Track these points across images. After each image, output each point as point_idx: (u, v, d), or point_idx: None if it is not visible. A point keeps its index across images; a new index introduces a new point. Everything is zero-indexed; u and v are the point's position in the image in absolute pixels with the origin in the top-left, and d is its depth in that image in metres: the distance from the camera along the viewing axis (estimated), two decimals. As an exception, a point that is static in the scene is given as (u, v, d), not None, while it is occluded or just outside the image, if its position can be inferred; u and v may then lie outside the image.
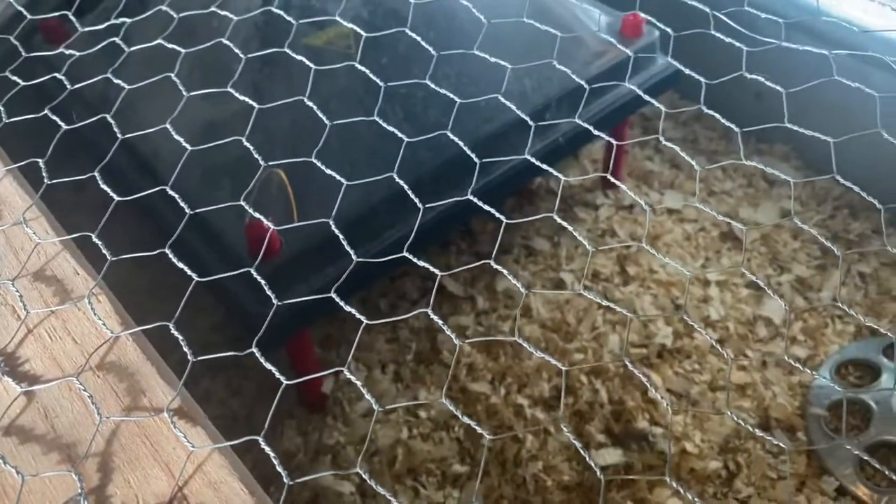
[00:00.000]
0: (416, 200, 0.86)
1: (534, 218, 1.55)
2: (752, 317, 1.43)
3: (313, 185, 1.06)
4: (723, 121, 0.92)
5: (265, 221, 0.99)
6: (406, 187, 0.88)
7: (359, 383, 0.67)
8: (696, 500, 0.59)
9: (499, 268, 0.81)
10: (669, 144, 0.94)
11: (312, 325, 1.31)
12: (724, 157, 1.71)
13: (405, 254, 0.81)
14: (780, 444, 1.29)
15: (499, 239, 0.90)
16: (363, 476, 1.20)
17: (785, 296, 1.46)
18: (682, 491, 1.23)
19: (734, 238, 1.55)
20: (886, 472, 0.67)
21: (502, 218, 0.86)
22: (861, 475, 1.19)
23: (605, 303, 0.92)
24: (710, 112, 0.94)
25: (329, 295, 0.77)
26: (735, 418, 0.71)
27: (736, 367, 1.36)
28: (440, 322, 0.74)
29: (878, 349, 1.32)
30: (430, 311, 0.74)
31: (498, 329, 1.41)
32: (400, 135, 0.92)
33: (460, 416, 0.64)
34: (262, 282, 0.75)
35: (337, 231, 0.83)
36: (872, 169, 1.28)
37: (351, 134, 1.15)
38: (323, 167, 0.88)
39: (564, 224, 0.84)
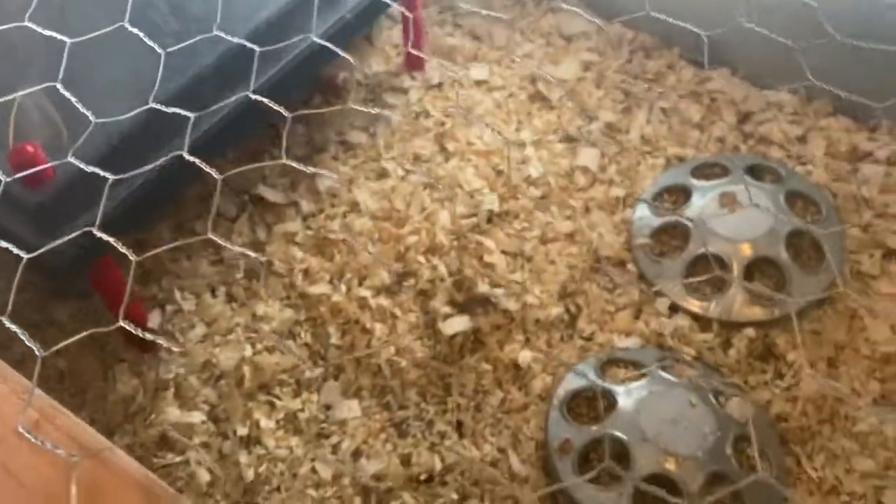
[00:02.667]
0: (186, 112, 0.78)
1: (327, 110, 1.50)
2: (569, 168, 1.46)
3: (83, 106, 0.95)
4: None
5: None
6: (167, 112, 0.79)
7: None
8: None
9: (308, 169, 0.75)
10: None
11: (113, 258, 1.20)
12: (521, 20, 1.71)
13: (185, 155, 0.74)
14: (614, 279, 1.34)
15: (284, 137, 0.84)
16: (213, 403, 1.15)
17: (597, 143, 1.50)
18: (531, 340, 1.26)
19: (542, 98, 1.57)
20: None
21: (284, 112, 0.81)
22: (688, 289, 1.26)
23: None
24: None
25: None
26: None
27: (562, 218, 1.39)
28: (227, 244, 0.68)
29: (686, 173, 1.40)
30: (211, 235, 0.68)
31: (328, 229, 1.36)
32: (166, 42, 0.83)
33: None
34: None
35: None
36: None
37: (119, 48, 1.04)
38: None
39: (364, 109, 0.79)
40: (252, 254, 0.91)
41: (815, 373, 1.19)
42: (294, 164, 0.85)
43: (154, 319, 1.24)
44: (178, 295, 1.28)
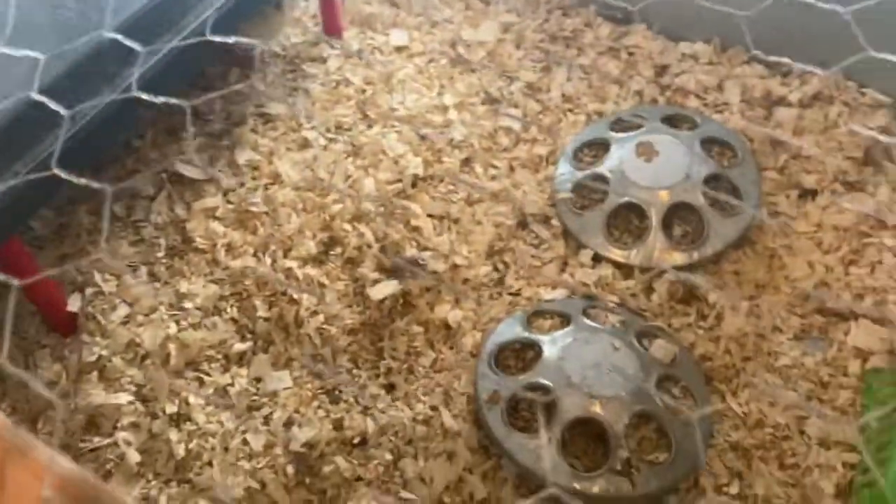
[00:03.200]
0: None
1: (233, 88, 1.48)
2: (492, 130, 1.46)
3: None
4: None
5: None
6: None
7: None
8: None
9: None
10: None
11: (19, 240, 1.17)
12: (438, -14, 1.70)
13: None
14: (539, 235, 1.35)
15: (189, 122, 0.82)
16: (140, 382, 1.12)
17: (519, 103, 1.50)
18: (460, 300, 1.26)
19: (464, 62, 1.57)
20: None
21: (179, 102, 0.79)
22: (610, 239, 1.28)
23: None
24: None
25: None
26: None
27: (487, 178, 1.40)
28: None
29: (605, 128, 1.41)
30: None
31: (249, 202, 1.34)
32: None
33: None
34: None
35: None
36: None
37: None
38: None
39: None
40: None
41: (737, 312, 1.22)
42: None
43: (74, 303, 1.21)
44: (97, 277, 1.24)
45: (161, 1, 1.11)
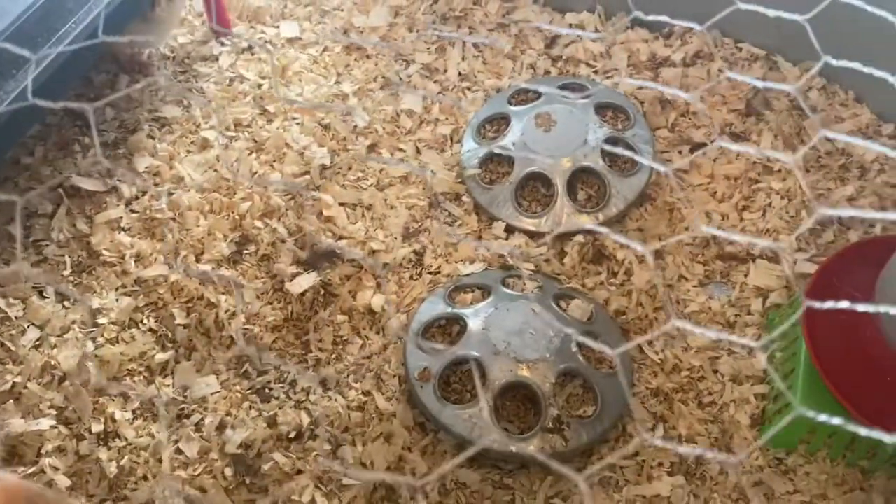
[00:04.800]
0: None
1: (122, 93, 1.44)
2: (395, 113, 1.47)
3: None
4: None
5: None
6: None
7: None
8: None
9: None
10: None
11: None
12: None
13: None
14: (452, 213, 1.38)
15: (93, 124, 0.80)
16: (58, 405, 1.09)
17: (417, 86, 1.52)
18: (382, 284, 1.27)
19: (358, 48, 1.57)
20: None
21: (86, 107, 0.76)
22: (519, 209, 1.31)
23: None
24: None
25: None
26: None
27: (395, 162, 1.41)
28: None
29: (503, 102, 1.44)
30: None
31: (154, 209, 1.31)
32: None
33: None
34: None
35: None
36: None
37: None
38: None
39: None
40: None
41: (646, 265, 1.28)
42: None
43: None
44: (1, 303, 1.19)
45: (41, 6, 1.07)
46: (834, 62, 0.62)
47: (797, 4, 0.70)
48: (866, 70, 0.62)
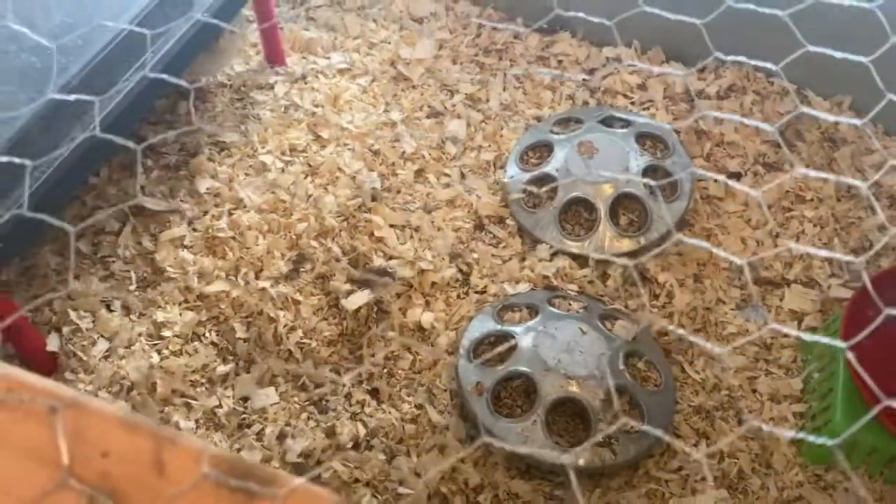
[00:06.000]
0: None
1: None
2: (440, 140, 1.54)
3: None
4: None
5: None
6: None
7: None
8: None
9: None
10: None
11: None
12: (370, 8, 1.78)
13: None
14: (496, 235, 1.43)
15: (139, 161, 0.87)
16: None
17: (461, 114, 1.59)
18: (430, 303, 1.33)
19: (405, 79, 1.64)
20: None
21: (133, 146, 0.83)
22: (563, 233, 1.37)
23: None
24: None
25: None
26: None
27: (442, 187, 1.47)
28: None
29: (546, 130, 1.51)
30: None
31: (216, 228, 1.37)
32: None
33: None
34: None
35: None
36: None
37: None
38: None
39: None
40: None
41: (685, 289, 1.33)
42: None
43: (53, 342, 1.21)
44: (73, 315, 1.25)
45: (117, 45, 1.15)
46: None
47: (863, 47, 0.76)
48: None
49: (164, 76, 1.14)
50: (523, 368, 1.15)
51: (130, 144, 0.73)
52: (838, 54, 0.63)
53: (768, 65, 0.76)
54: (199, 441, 0.41)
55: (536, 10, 1.72)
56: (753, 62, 0.77)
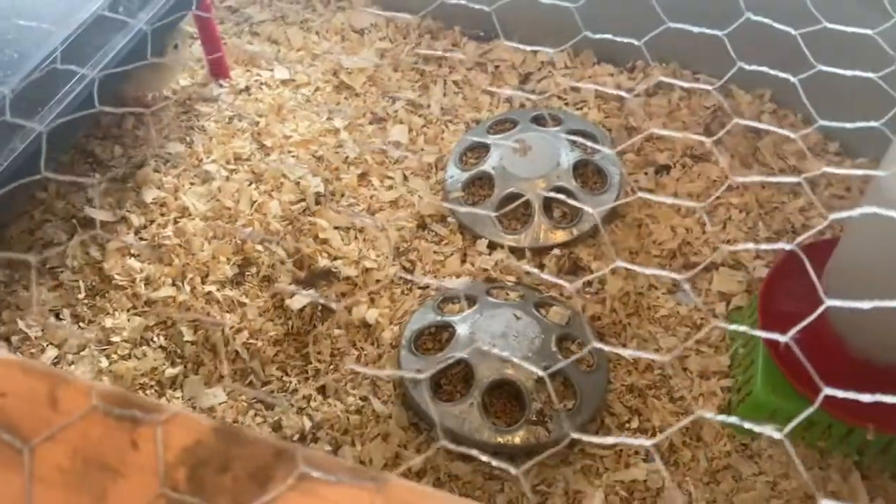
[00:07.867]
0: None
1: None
2: (382, 145, 1.59)
3: None
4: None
5: None
6: None
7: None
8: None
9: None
10: None
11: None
12: (313, 21, 1.83)
13: None
14: (438, 233, 1.48)
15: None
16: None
17: (403, 120, 1.64)
18: (374, 300, 1.37)
19: (347, 87, 1.70)
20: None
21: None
22: (500, 227, 1.43)
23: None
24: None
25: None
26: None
27: (385, 189, 1.52)
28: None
29: (483, 132, 1.57)
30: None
31: (162, 236, 1.41)
32: None
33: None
34: None
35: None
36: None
37: None
38: None
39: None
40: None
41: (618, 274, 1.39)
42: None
43: (0, 352, 1.24)
44: (21, 324, 1.28)
45: (64, 50, 1.18)
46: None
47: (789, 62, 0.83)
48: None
49: (96, 95, 1.18)
50: (461, 354, 1.20)
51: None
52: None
53: (706, 86, 0.83)
54: (89, 380, 0.45)
55: (473, 19, 1.78)
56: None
